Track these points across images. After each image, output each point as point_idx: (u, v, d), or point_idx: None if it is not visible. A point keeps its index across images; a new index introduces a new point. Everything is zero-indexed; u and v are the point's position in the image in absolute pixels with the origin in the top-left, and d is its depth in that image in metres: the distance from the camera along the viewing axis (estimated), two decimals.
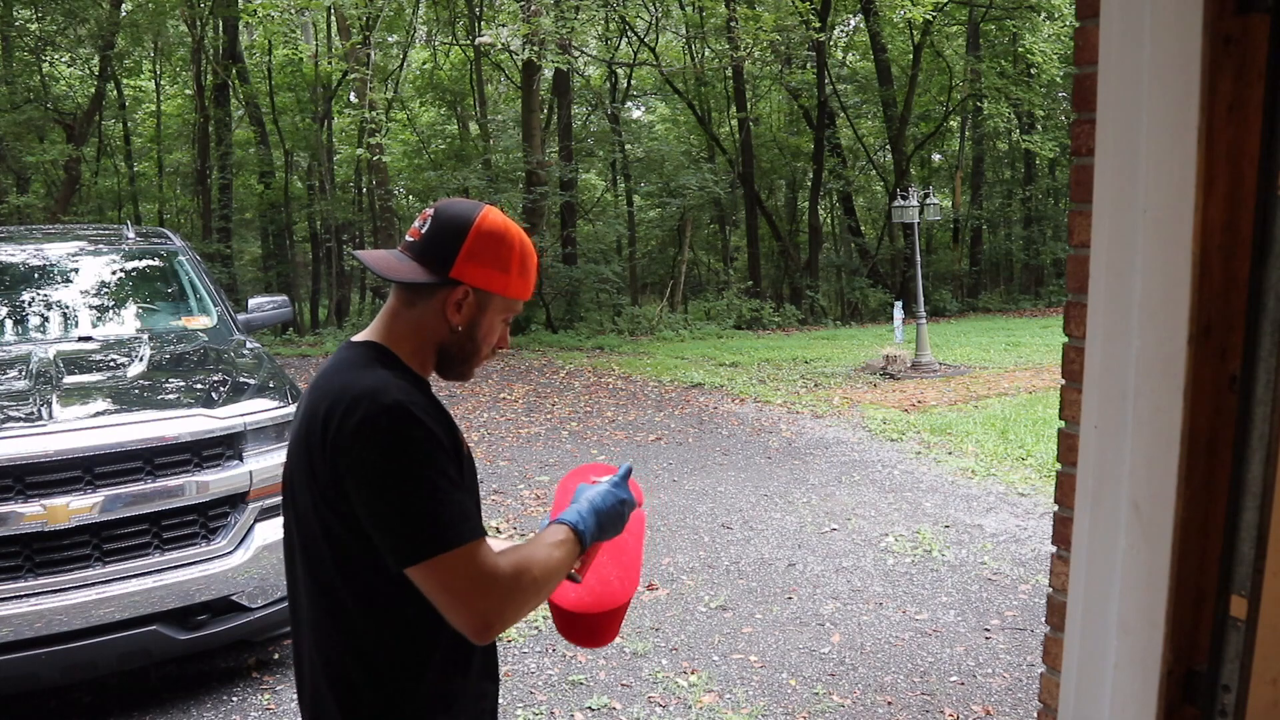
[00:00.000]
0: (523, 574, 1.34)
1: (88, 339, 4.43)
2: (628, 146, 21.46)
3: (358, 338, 1.48)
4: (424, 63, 22.30)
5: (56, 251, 5.08)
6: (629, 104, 23.88)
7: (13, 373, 3.74)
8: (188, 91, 20.81)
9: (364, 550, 1.34)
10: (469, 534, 1.31)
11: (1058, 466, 1.44)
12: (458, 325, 1.46)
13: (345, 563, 1.36)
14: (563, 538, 1.43)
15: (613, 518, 1.50)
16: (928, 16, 16.34)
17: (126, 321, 4.80)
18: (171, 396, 3.73)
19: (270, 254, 22.31)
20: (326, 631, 1.40)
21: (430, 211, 1.49)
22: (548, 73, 18.61)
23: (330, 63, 17.91)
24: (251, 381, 3.90)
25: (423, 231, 1.46)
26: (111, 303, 4.94)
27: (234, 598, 3.46)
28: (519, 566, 1.34)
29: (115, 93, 20.29)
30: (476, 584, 1.30)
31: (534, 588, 1.36)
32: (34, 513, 3.07)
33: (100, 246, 5.27)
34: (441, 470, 1.32)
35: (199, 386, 3.81)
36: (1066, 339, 1.39)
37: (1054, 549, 1.44)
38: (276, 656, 3.96)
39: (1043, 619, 1.55)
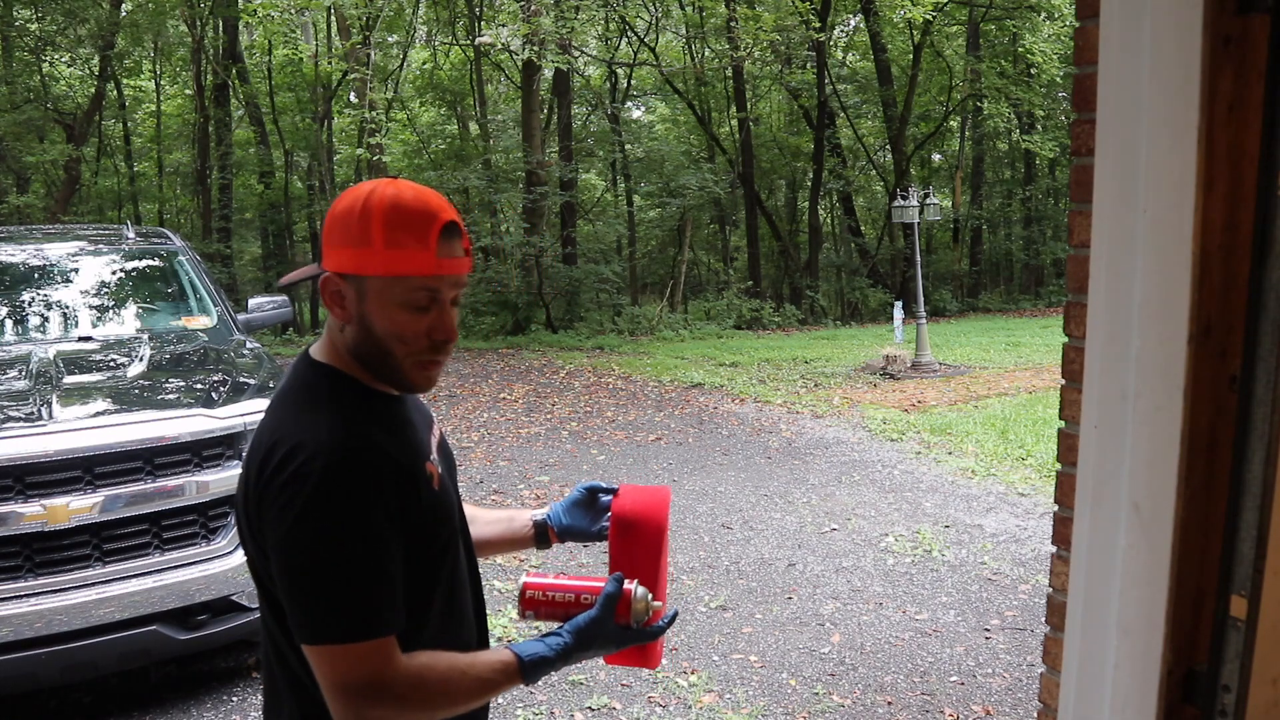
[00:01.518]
0: (417, 691, 1.22)
1: (88, 339, 4.43)
2: (628, 146, 21.45)
3: (315, 351, 1.34)
4: (424, 63, 22.31)
5: (56, 251, 5.08)
6: (629, 104, 23.88)
7: (13, 373, 3.74)
8: (188, 91, 20.81)
9: None
10: (374, 629, 1.19)
11: (1058, 466, 1.44)
12: (344, 324, 1.27)
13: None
14: (501, 675, 1.28)
15: (590, 647, 1.36)
16: (928, 16, 16.34)
17: (126, 321, 4.80)
18: (171, 396, 3.73)
19: (270, 254, 22.30)
20: (284, 650, 1.31)
21: None
22: (548, 73, 18.61)
23: (330, 63, 17.90)
24: (251, 381, 3.90)
25: None
26: (111, 303, 4.94)
27: (234, 598, 3.46)
28: (418, 682, 1.22)
29: (115, 93, 20.29)
30: (361, 684, 1.18)
31: (422, 708, 1.23)
32: (34, 513, 3.07)
33: (100, 246, 5.28)
34: (368, 550, 1.18)
35: (199, 386, 3.81)
36: (1066, 339, 1.39)
37: (1054, 549, 1.44)
38: None
39: (1043, 619, 1.55)
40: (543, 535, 1.65)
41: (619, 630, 1.37)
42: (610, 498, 1.62)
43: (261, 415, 1.33)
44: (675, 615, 1.45)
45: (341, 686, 1.18)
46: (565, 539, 1.65)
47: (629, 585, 1.38)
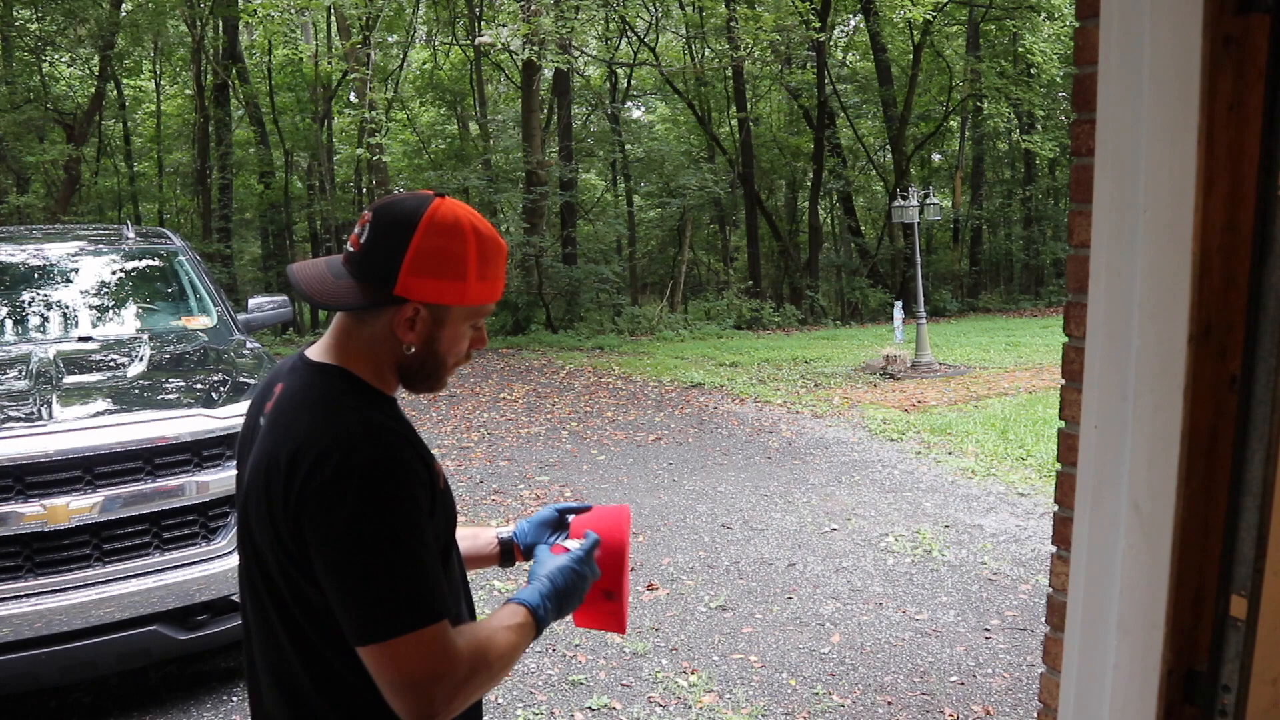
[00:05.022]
0: (479, 661, 1.23)
1: (88, 339, 4.43)
2: (628, 146, 21.46)
3: (314, 355, 1.33)
4: (424, 63, 22.31)
5: (56, 251, 5.08)
6: (629, 104, 23.88)
7: (13, 373, 3.74)
8: (188, 91, 20.81)
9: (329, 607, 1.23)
10: (436, 613, 1.19)
11: (1058, 466, 1.44)
12: (411, 345, 1.30)
13: (312, 614, 1.25)
14: (521, 621, 1.32)
15: (572, 595, 1.41)
16: (928, 16, 16.36)
17: (126, 321, 4.80)
18: (171, 396, 3.73)
19: (270, 254, 22.29)
20: (285, 662, 1.29)
21: (369, 215, 1.30)
22: (548, 73, 18.62)
23: (330, 63, 17.91)
24: (251, 381, 3.89)
25: (362, 240, 1.28)
26: (111, 303, 4.94)
27: (234, 598, 3.45)
28: (477, 652, 1.23)
29: (115, 93, 20.28)
30: (433, 670, 1.17)
31: (487, 675, 1.25)
32: (34, 513, 3.07)
33: (100, 246, 5.27)
34: (417, 539, 1.19)
35: (199, 386, 3.81)
36: (1066, 339, 1.39)
37: (1054, 549, 1.44)
38: None
39: (1043, 619, 1.55)
40: (508, 553, 1.65)
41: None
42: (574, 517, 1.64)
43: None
44: (596, 541, 1.53)
45: (413, 678, 1.17)
46: (530, 557, 1.64)
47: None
